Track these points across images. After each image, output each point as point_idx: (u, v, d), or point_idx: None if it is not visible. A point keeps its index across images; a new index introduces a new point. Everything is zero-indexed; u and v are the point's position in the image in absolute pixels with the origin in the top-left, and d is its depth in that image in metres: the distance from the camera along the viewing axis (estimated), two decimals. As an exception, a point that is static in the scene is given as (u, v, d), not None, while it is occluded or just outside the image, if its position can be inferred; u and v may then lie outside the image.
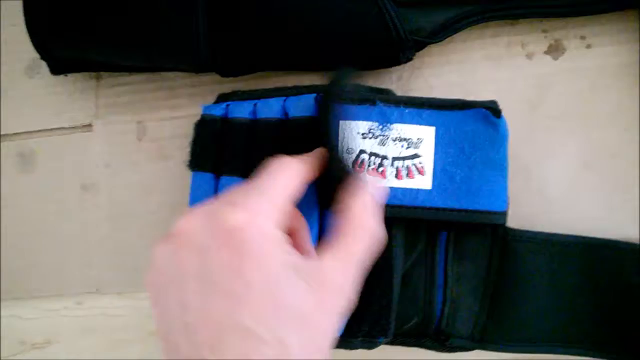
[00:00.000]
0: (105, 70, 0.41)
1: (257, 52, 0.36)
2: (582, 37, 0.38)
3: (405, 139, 0.32)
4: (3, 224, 0.43)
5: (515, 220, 0.35)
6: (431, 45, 0.37)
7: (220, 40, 0.35)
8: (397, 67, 0.38)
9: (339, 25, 0.35)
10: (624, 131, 0.37)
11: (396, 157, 0.32)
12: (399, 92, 0.38)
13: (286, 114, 0.33)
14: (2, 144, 0.43)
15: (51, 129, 0.43)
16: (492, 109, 0.32)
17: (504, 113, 0.34)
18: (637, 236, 0.36)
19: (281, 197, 0.25)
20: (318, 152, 0.29)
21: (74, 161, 0.42)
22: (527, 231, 0.34)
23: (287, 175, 0.26)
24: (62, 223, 0.42)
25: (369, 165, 0.32)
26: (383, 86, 0.38)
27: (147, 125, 0.41)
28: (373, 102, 0.32)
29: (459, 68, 0.39)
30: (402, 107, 0.32)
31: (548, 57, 0.38)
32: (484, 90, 0.38)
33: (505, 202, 0.32)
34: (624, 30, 0.38)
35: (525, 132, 0.37)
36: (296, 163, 0.27)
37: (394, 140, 0.32)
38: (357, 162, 0.32)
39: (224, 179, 0.33)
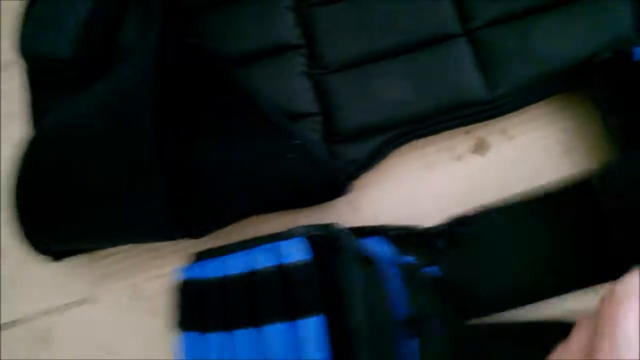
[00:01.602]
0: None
1: (214, 216, 0.41)
2: (503, 131, 0.42)
3: None
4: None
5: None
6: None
7: (183, 216, 0.40)
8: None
9: (281, 176, 0.39)
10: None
11: None
12: (351, 214, 0.43)
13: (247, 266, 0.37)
14: (20, 327, 0.48)
15: (59, 306, 0.48)
16: None
17: (449, 212, 0.39)
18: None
19: None
20: None
21: (83, 330, 0.47)
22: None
23: None
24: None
25: None
26: (336, 212, 0.43)
27: (140, 286, 0.46)
28: None
29: (399, 181, 0.43)
30: None
31: (475, 156, 0.42)
32: (423, 197, 0.42)
33: None
34: (539, 116, 0.42)
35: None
36: None
37: None
38: None
39: (210, 336, 0.37)
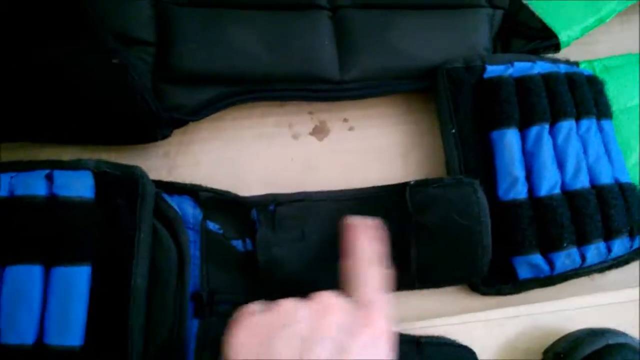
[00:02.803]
0: None
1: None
2: (345, 120, 0.40)
3: None
4: None
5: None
6: (201, 121, 0.37)
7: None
8: (164, 142, 0.37)
9: (89, 95, 0.33)
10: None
11: None
12: (165, 168, 0.38)
13: (12, 191, 0.30)
14: None
15: None
16: None
17: (272, 191, 0.35)
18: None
19: None
20: None
21: None
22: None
23: None
24: None
25: None
26: (149, 162, 0.37)
27: None
28: None
29: (228, 145, 0.39)
30: None
31: (313, 138, 0.40)
32: (251, 168, 0.38)
33: None
34: (384, 114, 0.41)
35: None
36: None
37: None
38: None
39: None
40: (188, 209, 0.35)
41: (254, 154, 0.39)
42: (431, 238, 0.35)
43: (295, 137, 0.39)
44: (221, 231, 0.35)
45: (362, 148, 0.40)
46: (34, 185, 0.30)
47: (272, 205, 0.35)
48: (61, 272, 0.29)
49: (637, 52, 0.44)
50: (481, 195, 0.35)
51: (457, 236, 0.35)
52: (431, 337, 0.36)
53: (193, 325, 0.33)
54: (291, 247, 0.35)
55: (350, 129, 0.40)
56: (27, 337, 0.29)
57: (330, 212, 0.36)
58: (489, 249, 0.34)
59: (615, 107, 0.41)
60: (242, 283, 0.35)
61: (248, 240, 0.35)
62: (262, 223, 0.35)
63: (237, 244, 0.35)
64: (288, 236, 0.35)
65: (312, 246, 0.35)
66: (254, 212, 0.35)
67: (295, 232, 0.35)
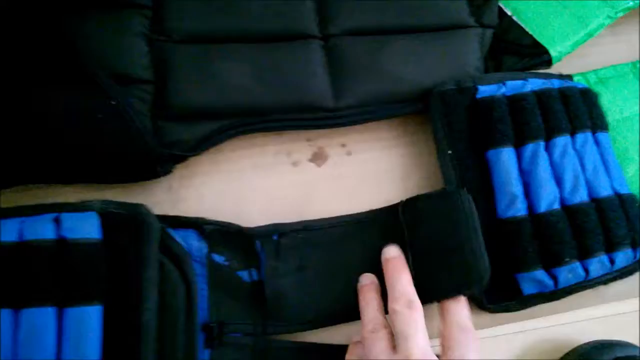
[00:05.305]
0: None
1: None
2: (343, 145, 0.41)
3: None
4: None
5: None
6: (201, 154, 0.38)
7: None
8: (167, 177, 0.38)
9: (89, 138, 0.34)
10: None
11: None
12: (170, 202, 0.38)
13: (21, 236, 0.31)
14: None
15: None
16: None
17: (275, 219, 0.36)
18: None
19: None
20: None
21: None
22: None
23: None
24: None
25: None
26: (153, 197, 0.38)
27: None
28: None
29: (229, 177, 0.39)
30: None
31: (312, 165, 0.40)
32: (253, 198, 0.39)
33: None
34: (381, 138, 0.41)
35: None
36: None
37: None
38: None
39: None
40: (193, 243, 0.35)
41: (255, 184, 0.39)
42: (424, 252, 0.35)
43: (294, 164, 0.40)
44: (227, 263, 0.35)
45: (362, 172, 0.40)
46: (43, 229, 0.31)
47: (275, 236, 0.36)
48: (74, 312, 0.30)
49: (629, 62, 0.44)
50: (466, 201, 0.35)
51: (447, 246, 0.34)
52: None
53: (204, 356, 0.34)
54: (295, 277, 0.35)
55: (349, 153, 0.41)
56: None
57: (331, 238, 0.36)
58: (482, 255, 0.34)
59: (611, 117, 0.42)
60: (250, 312, 0.35)
61: (253, 271, 0.35)
62: (267, 254, 0.35)
63: (243, 274, 0.35)
64: (292, 266, 0.35)
65: (314, 274, 0.35)
66: (257, 244, 0.35)
67: (298, 261, 0.35)
